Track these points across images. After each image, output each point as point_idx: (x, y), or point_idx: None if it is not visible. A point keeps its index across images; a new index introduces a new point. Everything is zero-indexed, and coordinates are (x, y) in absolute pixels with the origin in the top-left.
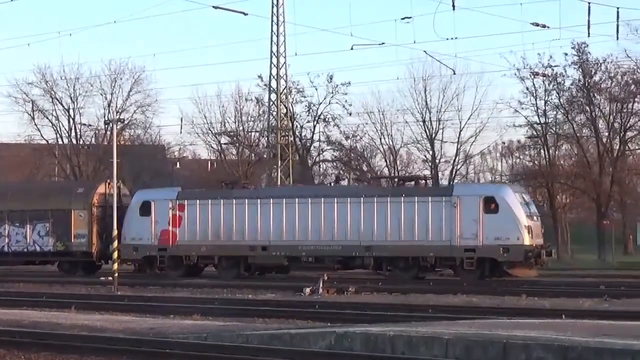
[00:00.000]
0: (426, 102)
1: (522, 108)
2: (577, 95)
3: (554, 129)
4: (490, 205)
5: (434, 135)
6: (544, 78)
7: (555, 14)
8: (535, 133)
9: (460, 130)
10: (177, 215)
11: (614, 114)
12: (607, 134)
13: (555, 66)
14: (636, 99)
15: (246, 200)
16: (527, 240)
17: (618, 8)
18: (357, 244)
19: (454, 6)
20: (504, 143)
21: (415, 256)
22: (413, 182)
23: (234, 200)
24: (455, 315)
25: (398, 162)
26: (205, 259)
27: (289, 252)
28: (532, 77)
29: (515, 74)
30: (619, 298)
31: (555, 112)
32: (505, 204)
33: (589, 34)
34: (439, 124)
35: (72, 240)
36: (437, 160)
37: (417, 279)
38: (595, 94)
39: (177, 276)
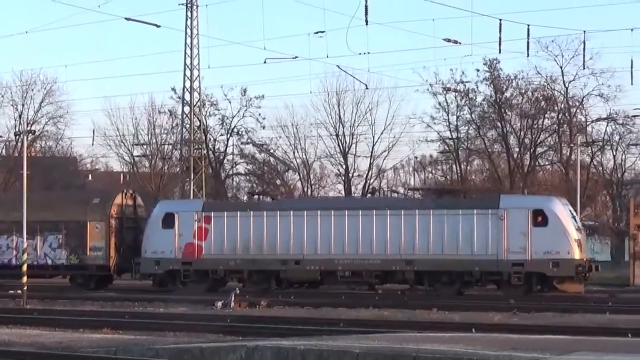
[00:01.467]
0: (339, 116)
1: (435, 123)
2: (488, 111)
3: (466, 144)
4: (539, 218)
5: (347, 149)
6: (456, 93)
7: (467, 30)
8: (447, 148)
9: (374, 145)
10: (203, 227)
11: (525, 130)
12: (517, 149)
13: (467, 82)
14: (546, 115)
15: (278, 212)
16: (577, 255)
17: (528, 25)
18: (397, 258)
19: (367, 21)
20: (416, 158)
21: (459, 271)
22: (451, 195)
23: (265, 213)
24: (366, 329)
25: (311, 175)
26: (233, 273)
27: (324, 267)
28: (445, 92)
29: (428, 89)
30: (529, 312)
31: (467, 128)
32: (554, 217)
33: (500, 50)
34: (352, 138)
35: (87, 253)
36: (350, 175)
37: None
38: (507, 110)
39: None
